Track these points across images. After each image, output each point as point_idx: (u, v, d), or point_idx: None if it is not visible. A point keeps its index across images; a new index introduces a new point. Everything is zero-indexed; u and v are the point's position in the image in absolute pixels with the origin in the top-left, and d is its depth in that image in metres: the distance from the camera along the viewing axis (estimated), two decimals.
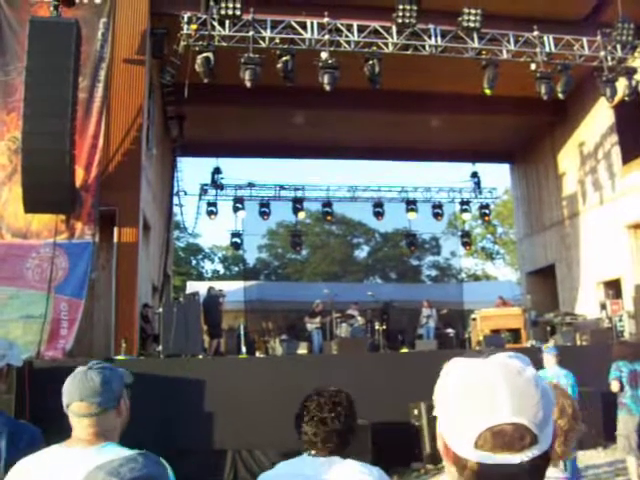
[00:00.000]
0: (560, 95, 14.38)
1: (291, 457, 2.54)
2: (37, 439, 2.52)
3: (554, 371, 7.99)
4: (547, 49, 14.15)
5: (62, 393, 2.18)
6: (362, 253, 35.53)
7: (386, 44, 13.69)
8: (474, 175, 24.53)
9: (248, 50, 12.80)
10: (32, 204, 10.82)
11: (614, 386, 7.99)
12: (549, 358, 8.13)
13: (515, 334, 15.13)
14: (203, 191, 23.07)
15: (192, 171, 62.36)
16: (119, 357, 10.62)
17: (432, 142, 22.09)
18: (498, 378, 1.06)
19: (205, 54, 12.57)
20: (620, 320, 14.94)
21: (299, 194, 23.72)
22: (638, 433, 7.89)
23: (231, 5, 12.49)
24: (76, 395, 2.13)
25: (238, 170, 59.41)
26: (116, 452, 2.07)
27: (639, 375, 8.06)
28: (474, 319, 16.33)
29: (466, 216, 25.74)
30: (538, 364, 8.45)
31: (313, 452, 2.44)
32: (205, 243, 46.77)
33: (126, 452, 2.03)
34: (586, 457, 9.21)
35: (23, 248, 11.17)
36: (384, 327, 14.44)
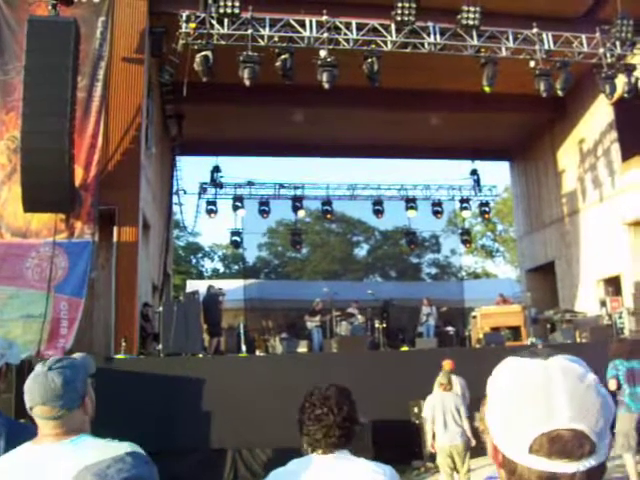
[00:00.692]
0: (559, 92, 14.37)
1: (291, 455, 2.54)
2: None
3: None
4: (546, 46, 14.14)
5: (24, 394, 2.10)
6: (362, 251, 35.54)
7: (385, 42, 13.68)
8: (474, 173, 24.52)
9: (247, 48, 12.79)
10: (31, 203, 10.82)
11: (611, 385, 8.01)
12: None
13: (515, 332, 15.15)
14: (202, 190, 23.06)
15: (191, 170, 62.40)
16: (119, 356, 10.63)
17: (431, 140, 22.09)
18: (558, 381, 1.01)
19: (204, 53, 12.56)
20: (620, 317, 14.95)
21: (299, 192, 23.71)
22: (637, 431, 7.90)
23: (230, 3, 12.48)
24: (38, 398, 2.05)
25: (237, 169, 59.52)
26: (91, 443, 2.03)
27: (636, 373, 8.07)
28: (474, 317, 16.34)
29: (466, 214, 25.73)
30: None
31: (319, 452, 2.44)
32: (205, 242, 46.83)
33: (100, 442, 1.99)
34: None
35: (23, 247, 11.18)
36: (384, 325, 14.44)
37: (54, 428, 2.06)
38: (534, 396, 1.01)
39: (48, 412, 2.05)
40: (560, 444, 0.97)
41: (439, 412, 7.66)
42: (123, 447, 1.94)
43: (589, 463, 0.98)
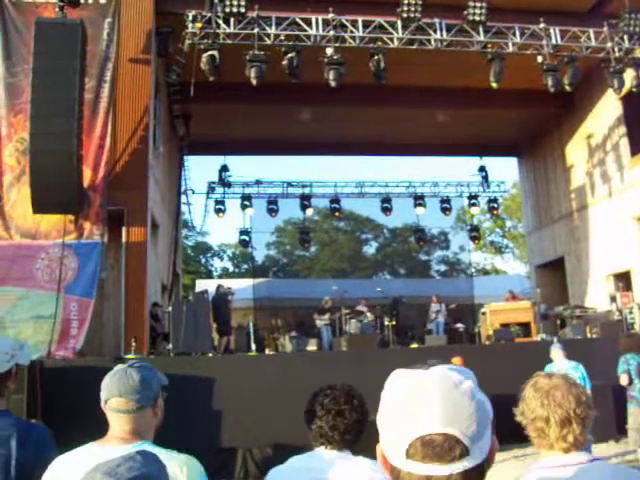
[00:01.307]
0: (567, 87, 14.31)
1: (302, 453, 2.54)
2: (46, 439, 2.52)
3: (562, 364, 8.15)
4: (553, 41, 14.09)
5: (101, 390, 2.19)
6: (371, 249, 35.55)
7: (391, 39, 13.66)
8: (482, 169, 24.48)
9: (253, 47, 12.81)
10: (40, 205, 10.87)
11: (623, 379, 7.98)
12: (556, 352, 8.48)
13: (525, 328, 15.09)
14: (211, 189, 23.11)
15: (199, 169, 62.53)
16: (129, 356, 10.65)
17: (439, 137, 22.05)
18: (434, 389, 1.05)
19: (210, 52, 12.59)
20: (630, 312, 14.88)
21: (307, 191, 23.72)
22: None
23: (236, 3, 12.50)
24: (115, 391, 2.14)
25: (245, 168, 59.70)
26: (153, 450, 2.08)
27: None
28: (484, 313, 16.30)
29: (474, 210, 25.68)
30: (549, 358, 8.51)
31: (329, 447, 2.45)
32: (214, 241, 46.92)
33: (163, 451, 2.08)
34: (598, 450, 9.19)
35: (32, 249, 11.22)
36: (393, 323, 14.43)
37: (125, 424, 2.15)
38: (410, 405, 1.05)
39: (124, 404, 2.14)
40: (431, 447, 1.01)
41: None
42: (182, 458, 2.11)
43: (463, 465, 1.01)
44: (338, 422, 2.44)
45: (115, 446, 2.09)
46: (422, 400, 1.05)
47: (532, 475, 1.98)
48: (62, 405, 9.03)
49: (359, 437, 2.48)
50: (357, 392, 2.56)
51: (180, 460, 2.11)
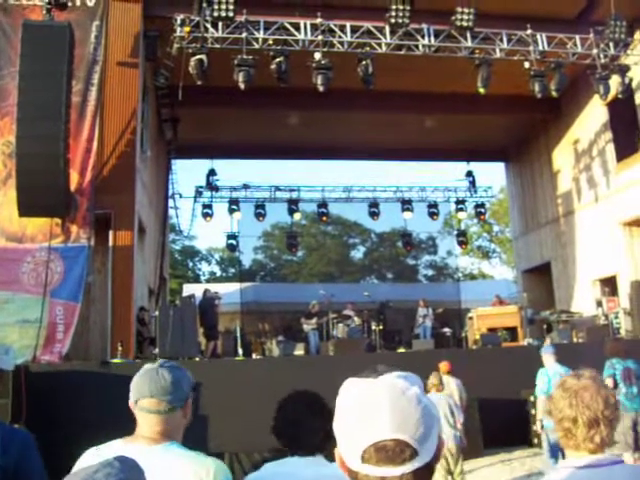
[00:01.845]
0: (554, 93, 14.41)
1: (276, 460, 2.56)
2: (29, 444, 2.50)
3: (554, 369, 8.11)
4: (540, 47, 14.18)
5: (130, 389, 2.18)
6: (358, 253, 35.57)
7: (379, 44, 13.70)
8: (469, 174, 24.56)
9: (241, 52, 12.81)
10: (27, 208, 10.80)
11: (608, 384, 8.01)
12: (547, 357, 8.41)
13: (512, 332, 15.14)
14: (198, 193, 23.04)
15: (187, 173, 62.37)
16: (115, 360, 10.60)
17: (427, 142, 22.14)
18: (383, 397, 1.13)
19: (199, 56, 12.57)
20: (616, 317, 14.98)
21: (294, 195, 23.70)
22: (634, 430, 7.91)
23: (224, 7, 12.49)
24: (146, 391, 2.13)
25: (233, 172, 59.54)
26: (181, 452, 2.12)
27: (632, 372, 8.08)
28: (471, 318, 16.34)
29: (462, 215, 25.75)
30: (536, 362, 8.52)
31: (299, 453, 2.46)
32: (201, 245, 46.79)
33: (192, 454, 2.09)
34: None
35: (18, 252, 11.15)
36: (381, 327, 14.44)
37: (155, 425, 2.14)
38: (362, 412, 1.13)
39: (155, 405, 2.13)
40: (384, 452, 1.10)
41: None
42: (209, 461, 2.10)
43: (412, 465, 1.10)
44: (299, 430, 2.44)
45: (143, 445, 2.09)
46: (373, 408, 1.12)
47: (558, 474, 2.02)
48: (47, 410, 8.96)
49: (328, 442, 2.48)
50: (318, 397, 2.57)
51: (207, 463, 2.10)
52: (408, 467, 1.10)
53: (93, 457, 2.09)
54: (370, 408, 1.13)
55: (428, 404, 1.16)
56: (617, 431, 6.79)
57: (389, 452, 1.09)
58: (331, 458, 2.44)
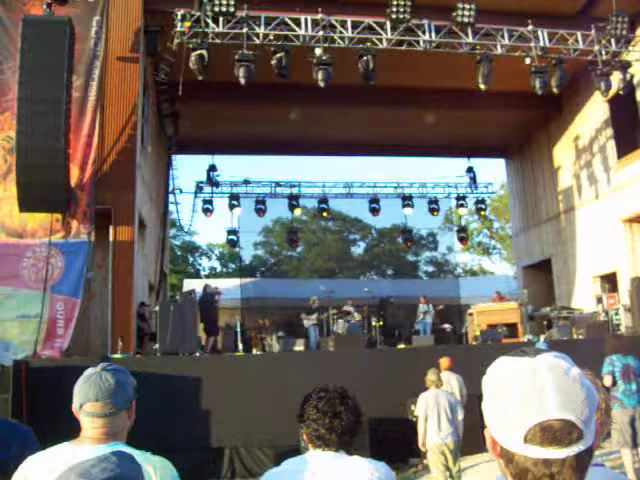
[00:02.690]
0: (555, 89, 14.40)
1: (289, 454, 2.54)
2: (29, 439, 2.51)
3: None
4: (541, 43, 14.16)
5: (74, 394, 2.17)
6: (358, 249, 35.61)
7: (380, 40, 13.68)
8: (470, 170, 24.54)
9: (242, 47, 12.79)
10: (27, 203, 10.80)
11: (607, 381, 8.02)
12: None
13: (512, 329, 15.13)
14: (199, 188, 23.03)
15: (187, 169, 62.31)
16: (116, 355, 10.61)
17: (427, 138, 22.12)
18: (547, 377, 1.11)
19: (199, 51, 12.55)
20: (616, 314, 14.97)
21: (295, 191, 23.69)
22: (632, 426, 7.93)
23: (225, 2, 12.47)
24: (91, 395, 2.14)
25: (233, 167, 59.56)
26: (127, 451, 2.08)
27: (632, 369, 8.09)
28: (471, 314, 16.33)
29: (462, 211, 25.75)
30: None
31: (325, 449, 2.44)
32: (201, 241, 46.77)
33: (137, 452, 2.06)
34: None
35: (19, 248, 11.16)
36: (381, 323, 14.45)
37: (100, 427, 2.14)
38: (525, 392, 1.10)
39: (100, 409, 2.14)
40: (551, 433, 1.07)
41: (433, 410, 7.63)
42: (155, 459, 2.10)
43: (577, 448, 1.08)
44: (335, 424, 2.43)
45: (88, 446, 2.09)
46: (537, 387, 1.10)
47: None
48: (48, 405, 8.97)
49: (355, 438, 2.49)
50: (351, 394, 2.57)
51: (153, 461, 2.11)
52: (573, 449, 1.08)
53: (36, 462, 2.09)
54: (534, 387, 1.10)
55: (591, 386, 1.14)
56: (615, 428, 6.74)
57: (556, 432, 1.07)
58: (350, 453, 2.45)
